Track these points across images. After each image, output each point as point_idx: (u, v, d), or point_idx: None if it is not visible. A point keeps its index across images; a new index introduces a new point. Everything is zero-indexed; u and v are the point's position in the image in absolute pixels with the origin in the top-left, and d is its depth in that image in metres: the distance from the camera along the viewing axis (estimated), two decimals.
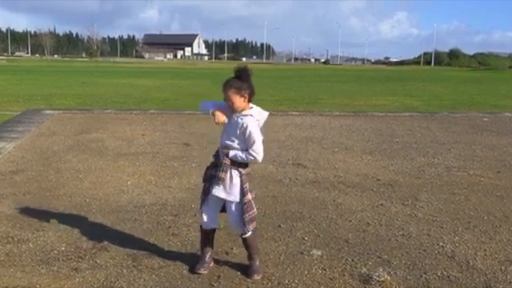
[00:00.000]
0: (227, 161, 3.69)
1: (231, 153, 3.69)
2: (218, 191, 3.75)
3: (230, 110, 3.68)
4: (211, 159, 3.87)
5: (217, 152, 3.83)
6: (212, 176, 3.77)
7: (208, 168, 3.87)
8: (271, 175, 7.02)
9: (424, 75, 55.16)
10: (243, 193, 3.76)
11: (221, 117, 3.66)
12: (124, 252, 4.21)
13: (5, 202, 5.51)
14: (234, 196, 3.74)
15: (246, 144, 3.67)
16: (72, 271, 3.85)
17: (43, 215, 5.10)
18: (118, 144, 9.13)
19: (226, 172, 3.69)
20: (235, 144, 3.69)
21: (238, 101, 3.63)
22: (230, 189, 3.72)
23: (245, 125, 3.65)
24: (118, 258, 4.11)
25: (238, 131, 3.67)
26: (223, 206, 3.86)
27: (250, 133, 3.65)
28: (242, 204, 3.76)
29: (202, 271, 3.86)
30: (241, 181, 3.75)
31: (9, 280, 3.66)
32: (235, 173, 3.73)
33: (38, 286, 3.59)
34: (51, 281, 3.68)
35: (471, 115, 15.23)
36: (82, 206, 5.48)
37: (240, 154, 3.67)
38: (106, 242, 4.41)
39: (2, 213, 5.15)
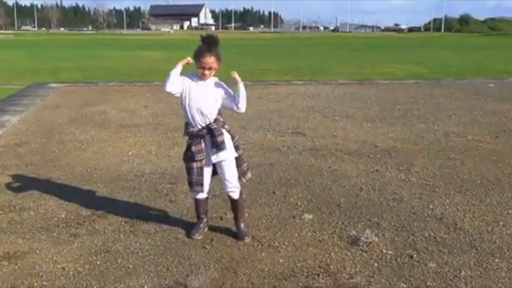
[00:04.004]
0: (217, 124, 3.77)
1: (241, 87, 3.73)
2: (221, 155, 3.79)
3: (201, 77, 3.73)
4: (186, 142, 3.89)
5: (192, 130, 3.79)
6: (202, 150, 3.78)
7: (189, 149, 3.83)
8: (269, 143, 7.12)
9: (434, 41, 54.49)
10: (236, 147, 3.90)
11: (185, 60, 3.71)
12: (122, 219, 4.36)
13: (9, 173, 5.67)
14: (230, 152, 3.84)
15: (229, 94, 3.79)
16: (71, 236, 4.01)
17: (45, 185, 5.26)
18: (121, 116, 9.25)
19: (222, 134, 3.78)
20: (219, 102, 3.80)
21: (215, 69, 3.72)
22: (227, 148, 3.81)
23: (218, 81, 3.81)
24: (116, 224, 4.26)
25: (218, 89, 3.77)
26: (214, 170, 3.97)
27: (225, 84, 3.82)
28: (236, 158, 3.89)
29: (196, 236, 4.00)
30: (232, 136, 3.88)
31: (10, 246, 3.83)
32: (225, 131, 3.83)
33: (38, 251, 3.76)
34: (51, 246, 3.84)
35: (477, 81, 15.14)
36: (83, 175, 5.63)
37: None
38: (105, 210, 4.56)
39: (6, 183, 5.31)
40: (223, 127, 3.81)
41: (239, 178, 3.95)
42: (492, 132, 7.82)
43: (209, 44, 3.69)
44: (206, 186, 3.98)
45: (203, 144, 3.80)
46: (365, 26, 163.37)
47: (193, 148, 3.80)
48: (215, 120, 3.79)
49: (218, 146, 3.76)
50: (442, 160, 6.27)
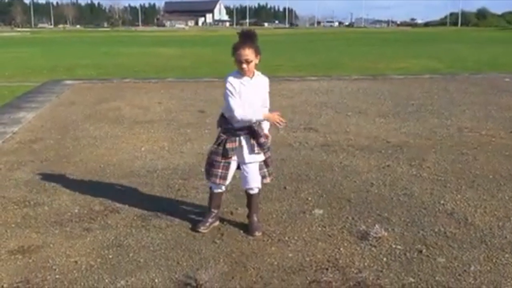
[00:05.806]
0: (258, 127, 3.86)
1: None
2: (255, 157, 3.88)
3: (243, 73, 3.74)
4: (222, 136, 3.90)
5: (230, 127, 3.83)
6: (236, 148, 3.84)
7: (222, 145, 3.84)
8: (282, 139, 7.13)
9: (450, 36, 53.84)
10: (268, 148, 4.00)
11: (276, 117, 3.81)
12: (134, 214, 4.42)
13: (24, 169, 5.77)
14: (261, 156, 3.92)
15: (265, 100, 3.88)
16: (84, 231, 4.08)
17: (59, 180, 5.35)
18: (135, 112, 9.34)
19: (263, 135, 3.89)
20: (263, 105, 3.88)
21: (255, 62, 3.72)
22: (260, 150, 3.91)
23: (267, 83, 3.85)
24: (128, 219, 4.32)
25: (263, 90, 3.84)
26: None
27: (267, 93, 3.87)
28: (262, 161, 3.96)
29: (202, 230, 4.00)
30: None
31: (24, 240, 3.91)
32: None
33: (51, 245, 3.83)
34: (64, 240, 3.91)
35: (492, 76, 14.97)
36: (97, 171, 5.71)
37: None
38: (117, 205, 4.62)
39: (21, 179, 5.41)
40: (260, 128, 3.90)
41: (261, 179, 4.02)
42: (507, 127, 7.75)
43: (244, 37, 3.70)
44: (229, 180, 4.03)
45: (237, 143, 3.84)
46: (381, 21, 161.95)
47: (228, 145, 3.82)
48: (259, 123, 3.85)
49: (260, 146, 3.84)
50: (455, 155, 6.24)
